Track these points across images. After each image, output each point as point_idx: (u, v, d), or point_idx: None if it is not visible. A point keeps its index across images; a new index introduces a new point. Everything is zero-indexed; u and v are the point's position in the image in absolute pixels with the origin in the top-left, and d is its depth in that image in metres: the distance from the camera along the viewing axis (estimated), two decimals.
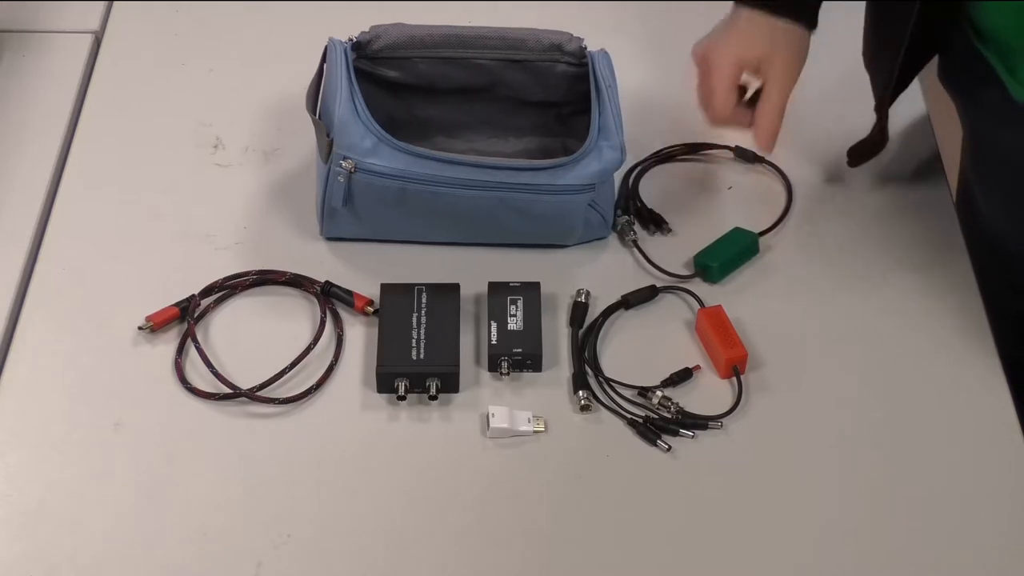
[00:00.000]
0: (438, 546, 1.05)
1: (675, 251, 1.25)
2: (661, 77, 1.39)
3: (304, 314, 1.20)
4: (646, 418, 1.13)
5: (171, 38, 1.45)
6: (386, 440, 1.11)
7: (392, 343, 1.14)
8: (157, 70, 1.41)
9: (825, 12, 1.16)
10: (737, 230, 1.25)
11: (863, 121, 1.36)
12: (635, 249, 1.25)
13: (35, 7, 1.46)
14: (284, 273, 1.22)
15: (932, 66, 1.27)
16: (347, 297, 1.19)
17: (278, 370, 1.14)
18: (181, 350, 1.16)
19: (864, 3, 1.26)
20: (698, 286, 1.22)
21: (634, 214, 1.27)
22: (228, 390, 1.13)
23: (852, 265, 1.25)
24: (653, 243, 1.26)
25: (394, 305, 1.17)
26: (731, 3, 1.20)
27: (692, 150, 1.33)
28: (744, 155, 1.32)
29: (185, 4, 1.48)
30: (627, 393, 1.14)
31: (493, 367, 1.15)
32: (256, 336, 1.18)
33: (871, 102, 1.26)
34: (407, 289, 1.18)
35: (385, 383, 1.13)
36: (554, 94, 1.27)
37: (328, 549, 1.05)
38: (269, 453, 1.10)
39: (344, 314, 1.19)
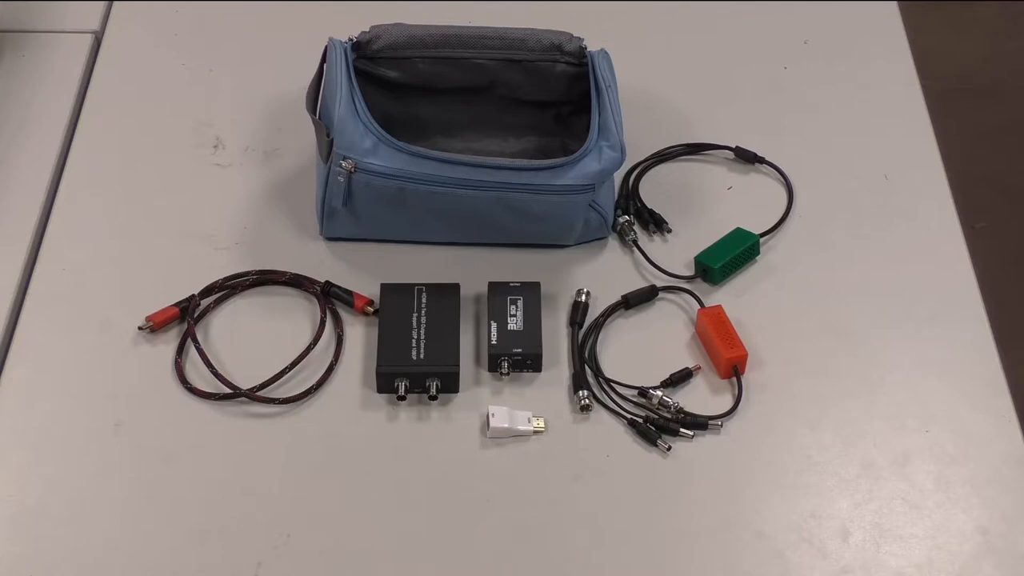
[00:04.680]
0: (438, 546, 1.05)
1: (675, 251, 1.25)
2: (661, 77, 1.39)
3: (304, 314, 1.20)
4: (646, 418, 1.12)
5: (171, 38, 1.45)
6: (386, 440, 1.11)
7: (392, 343, 1.14)
8: (157, 70, 1.41)
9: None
10: (739, 231, 1.24)
11: (863, 121, 1.36)
12: (635, 249, 1.25)
13: (35, 7, 1.46)
14: (284, 273, 1.22)
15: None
16: (347, 297, 1.19)
17: (278, 370, 1.14)
18: (181, 350, 1.16)
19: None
20: (698, 286, 1.22)
21: (634, 214, 1.27)
22: (228, 390, 1.13)
23: (852, 266, 1.25)
24: (653, 243, 1.26)
25: (394, 305, 1.17)
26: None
27: (692, 150, 1.33)
28: (744, 155, 1.32)
29: (185, 4, 1.48)
30: (627, 393, 1.14)
31: (493, 367, 1.15)
32: (256, 336, 1.18)
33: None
34: (407, 289, 1.18)
35: (385, 383, 1.13)
36: (553, 94, 1.27)
37: (328, 549, 1.05)
38: (269, 453, 1.10)
39: (344, 314, 1.19)
